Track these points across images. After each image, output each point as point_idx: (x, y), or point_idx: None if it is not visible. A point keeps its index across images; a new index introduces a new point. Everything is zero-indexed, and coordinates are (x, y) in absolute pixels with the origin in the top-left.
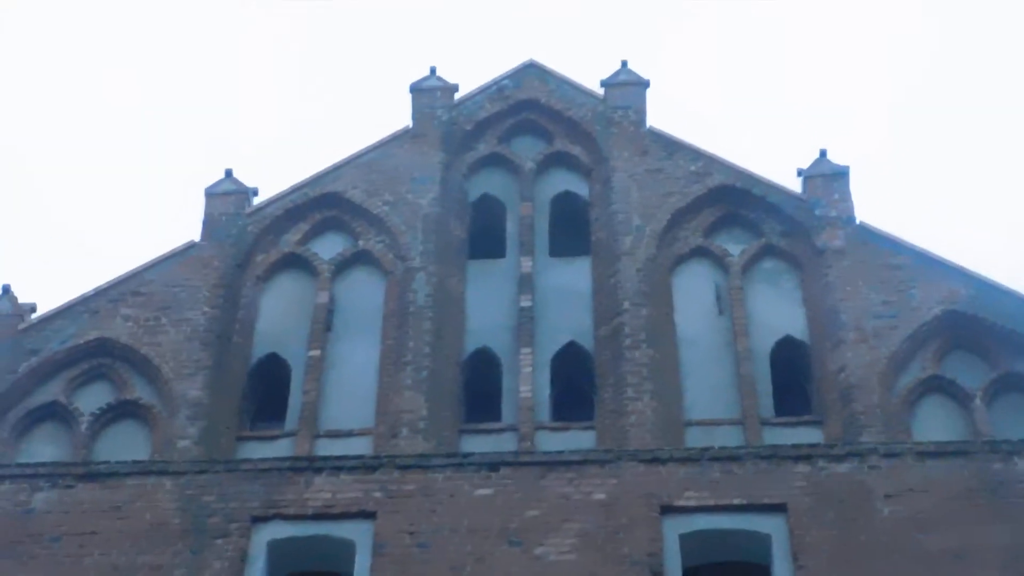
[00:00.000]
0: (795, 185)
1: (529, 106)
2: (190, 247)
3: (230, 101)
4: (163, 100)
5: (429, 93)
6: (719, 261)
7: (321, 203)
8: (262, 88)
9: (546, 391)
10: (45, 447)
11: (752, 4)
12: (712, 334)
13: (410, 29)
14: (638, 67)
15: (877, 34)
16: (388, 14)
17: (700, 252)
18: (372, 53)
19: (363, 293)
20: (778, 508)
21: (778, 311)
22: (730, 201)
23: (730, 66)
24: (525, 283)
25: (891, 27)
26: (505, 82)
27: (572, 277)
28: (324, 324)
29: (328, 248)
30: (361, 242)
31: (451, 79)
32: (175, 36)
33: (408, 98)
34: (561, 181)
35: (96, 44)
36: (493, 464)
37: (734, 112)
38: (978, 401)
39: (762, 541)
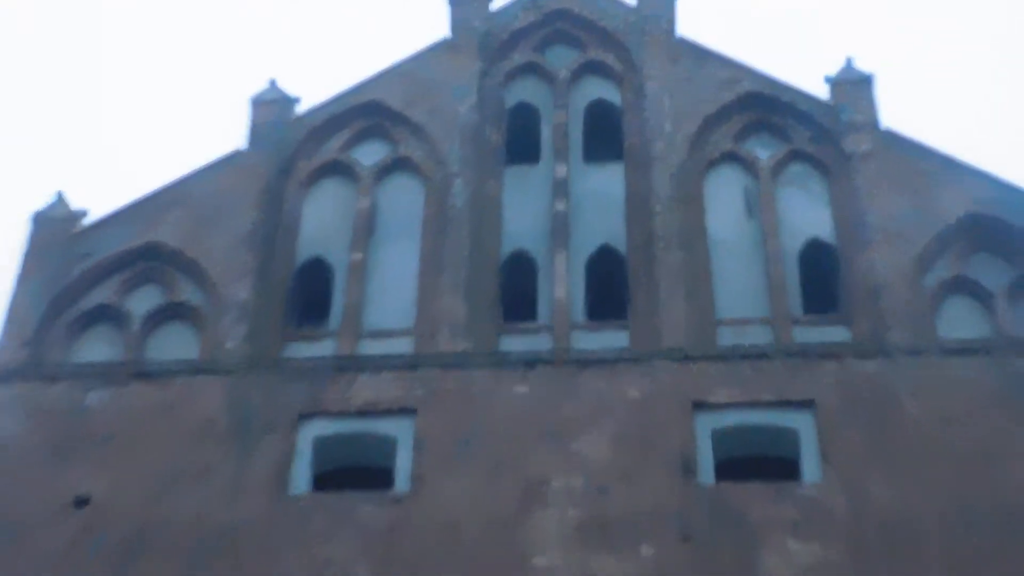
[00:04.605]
0: (822, 92)
1: (562, 16)
2: (235, 155)
3: (274, 11)
4: (211, 11)
5: (466, 4)
6: (749, 166)
7: (362, 111)
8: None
9: (580, 292)
10: (98, 348)
11: None
12: (742, 236)
13: None
14: None
15: None
16: None
17: (730, 157)
18: None
19: (403, 198)
20: (806, 404)
21: (806, 214)
22: (759, 108)
23: None
24: (560, 188)
25: None
26: None
27: (605, 182)
28: (366, 229)
29: (369, 155)
30: (401, 149)
31: None
32: None
33: (446, 9)
34: (594, 89)
35: None
36: (530, 362)
37: (762, 19)
38: (1001, 300)
39: (791, 437)
